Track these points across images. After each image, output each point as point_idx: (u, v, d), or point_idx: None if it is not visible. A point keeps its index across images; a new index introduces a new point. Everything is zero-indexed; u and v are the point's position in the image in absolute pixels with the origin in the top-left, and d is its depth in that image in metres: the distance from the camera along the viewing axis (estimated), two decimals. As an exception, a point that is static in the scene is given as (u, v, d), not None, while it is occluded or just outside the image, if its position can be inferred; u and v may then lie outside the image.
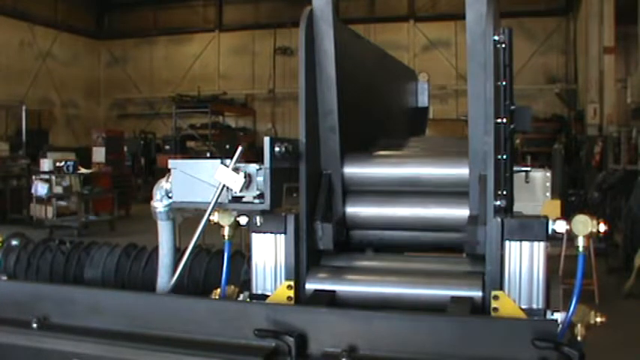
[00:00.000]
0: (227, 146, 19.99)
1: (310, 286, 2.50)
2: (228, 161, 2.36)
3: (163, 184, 2.56)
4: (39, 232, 11.84)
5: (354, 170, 2.71)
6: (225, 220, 2.51)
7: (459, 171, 2.55)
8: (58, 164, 14.42)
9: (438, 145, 3.45)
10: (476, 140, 2.40)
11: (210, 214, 2.36)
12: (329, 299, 2.45)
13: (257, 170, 2.38)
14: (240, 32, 26.42)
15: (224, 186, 2.33)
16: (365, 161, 2.77)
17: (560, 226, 2.20)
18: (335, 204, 2.64)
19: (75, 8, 26.52)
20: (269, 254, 2.48)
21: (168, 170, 2.52)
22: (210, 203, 2.34)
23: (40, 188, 14.17)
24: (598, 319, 2.18)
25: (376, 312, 2.05)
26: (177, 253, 2.69)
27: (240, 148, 2.36)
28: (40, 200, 14.28)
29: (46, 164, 14.58)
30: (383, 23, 24.00)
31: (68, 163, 14.56)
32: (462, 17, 2.37)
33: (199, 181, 2.41)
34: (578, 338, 2.14)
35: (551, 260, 2.26)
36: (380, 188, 2.75)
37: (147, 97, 27.32)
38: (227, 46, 26.65)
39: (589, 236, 2.17)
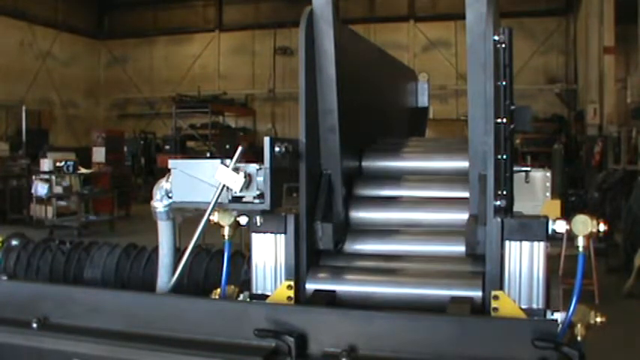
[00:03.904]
0: (227, 146, 19.99)
1: (310, 286, 2.50)
2: (228, 161, 2.36)
3: (163, 184, 2.56)
4: (39, 232, 11.82)
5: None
6: (225, 220, 2.51)
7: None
8: (58, 164, 14.39)
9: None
10: (476, 140, 2.40)
11: (210, 214, 2.36)
12: (329, 299, 2.45)
13: (257, 170, 2.38)
14: (240, 32, 26.41)
15: (224, 186, 2.33)
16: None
17: (560, 226, 2.20)
18: (335, 204, 2.64)
19: (75, 8, 26.50)
20: (269, 254, 2.48)
21: (168, 170, 2.52)
22: (210, 203, 2.34)
23: (40, 188, 14.15)
24: (598, 319, 2.18)
25: (376, 312, 2.05)
26: (177, 253, 2.69)
27: (240, 148, 2.36)
28: (40, 200, 14.27)
29: (46, 164, 14.55)
30: (383, 23, 23.98)
31: (68, 163, 14.53)
32: (462, 17, 2.37)
33: (199, 181, 2.41)
34: (578, 338, 2.13)
35: (551, 260, 2.26)
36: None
37: (147, 97, 27.30)
38: (227, 46, 26.65)
39: (589, 236, 2.17)
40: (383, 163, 3.03)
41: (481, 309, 2.27)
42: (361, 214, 2.76)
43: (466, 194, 2.51)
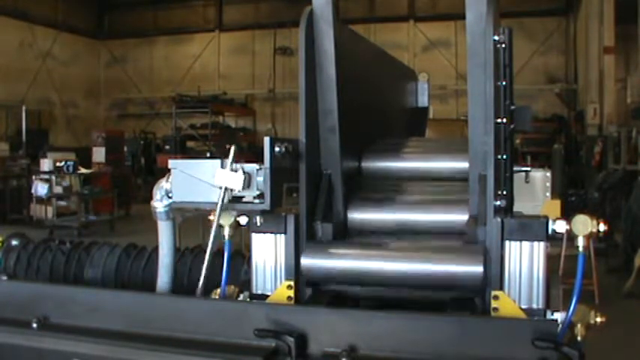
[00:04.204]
0: (227, 146, 19.93)
1: (305, 261, 2.44)
2: (225, 161, 2.37)
3: (163, 184, 2.56)
4: (39, 232, 11.82)
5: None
6: (225, 220, 2.51)
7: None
8: (58, 164, 14.38)
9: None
10: (476, 140, 2.40)
11: (218, 220, 2.36)
12: (329, 298, 2.44)
13: (257, 170, 2.38)
14: (240, 32, 26.41)
15: (226, 188, 2.33)
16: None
17: (560, 226, 2.20)
18: (335, 204, 2.64)
19: (75, 8, 26.50)
20: (269, 254, 2.48)
21: (168, 170, 2.52)
22: (210, 204, 2.34)
23: (40, 188, 14.15)
24: (598, 319, 2.18)
25: (376, 312, 2.05)
26: (178, 253, 2.69)
27: (233, 148, 2.36)
28: (40, 200, 14.27)
29: (46, 164, 14.55)
30: (383, 23, 23.98)
31: (68, 163, 14.53)
32: (462, 17, 2.37)
33: (199, 181, 2.41)
34: (578, 338, 2.13)
35: (551, 260, 2.26)
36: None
37: (147, 97, 27.31)
38: (227, 46, 26.64)
39: (589, 236, 2.17)
40: (382, 163, 3.02)
41: (481, 309, 2.27)
42: (360, 216, 2.74)
43: (466, 196, 2.50)
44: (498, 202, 2.25)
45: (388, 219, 2.74)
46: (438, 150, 3.16)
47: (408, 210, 2.76)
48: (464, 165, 2.57)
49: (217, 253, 3.14)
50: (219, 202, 2.33)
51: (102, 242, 3.51)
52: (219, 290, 2.57)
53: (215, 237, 2.40)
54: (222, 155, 2.47)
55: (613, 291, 8.26)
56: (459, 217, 2.53)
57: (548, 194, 6.88)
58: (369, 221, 2.75)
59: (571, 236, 2.20)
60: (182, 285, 2.99)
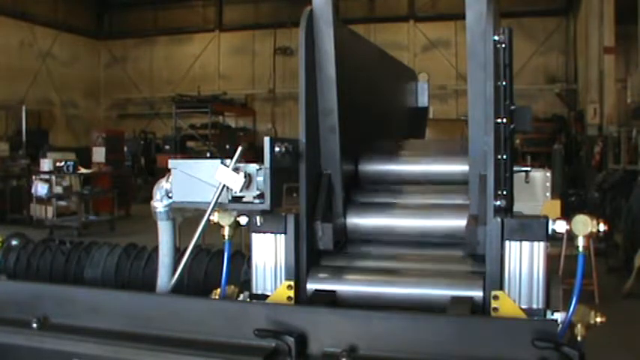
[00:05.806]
0: (227, 146, 20.02)
1: (310, 286, 2.50)
2: (228, 161, 2.36)
3: (163, 184, 2.56)
4: (39, 232, 11.82)
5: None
6: (225, 220, 2.51)
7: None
8: (58, 164, 14.39)
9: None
10: (476, 140, 2.40)
11: (210, 214, 2.36)
12: (329, 299, 2.45)
13: (257, 170, 2.38)
14: (240, 32, 26.42)
15: (224, 186, 2.33)
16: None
17: (560, 226, 2.20)
18: (335, 204, 2.64)
19: (75, 8, 26.51)
20: (269, 254, 2.48)
21: (168, 170, 2.52)
22: (210, 203, 2.34)
23: (40, 188, 14.15)
24: (598, 319, 2.18)
25: (376, 312, 2.05)
26: (177, 253, 2.69)
27: (240, 148, 2.36)
28: (40, 200, 14.28)
29: (46, 164, 14.56)
30: (383, 23, 24.00)
31: (68, 163, 14.54)
32: (462, 17, 2.37)
33: (199, 181, 2.41)
34: (578, 338, 2.13)
35: (551, 260, 2.26)
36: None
37: (147, 97, 27.32)
38: (227, 46, 26.66)
39: (589, 236, 2.17)
40: (379, 167, 2.99)
41: (481, 309, 2.27)
42: (358, 221, 2.73)
43: (465, 202, 2.49)
44: (498, 202, 2.25)
45: (387, 225, 2.72)
46: (437, 153, 3.13)
47: (408, 216, 2.73)
48: (463, 168, 2.57)
49: (217, 253, 3.15)
50: (214, 198, 2.32)
51: (102, 242, 3.51)
52: (219, 290, 2.57)
53: (202, 230, 2.38)
54: (223, 155, 2.46)
55: (613, 291, 8.27)
56: (459, 223, 2.51)
57: (548, 194, 6.88)
58: (367, 228, 2.73)
59: (571, 236, 2.20)
60: (182, 285, 2.99)
